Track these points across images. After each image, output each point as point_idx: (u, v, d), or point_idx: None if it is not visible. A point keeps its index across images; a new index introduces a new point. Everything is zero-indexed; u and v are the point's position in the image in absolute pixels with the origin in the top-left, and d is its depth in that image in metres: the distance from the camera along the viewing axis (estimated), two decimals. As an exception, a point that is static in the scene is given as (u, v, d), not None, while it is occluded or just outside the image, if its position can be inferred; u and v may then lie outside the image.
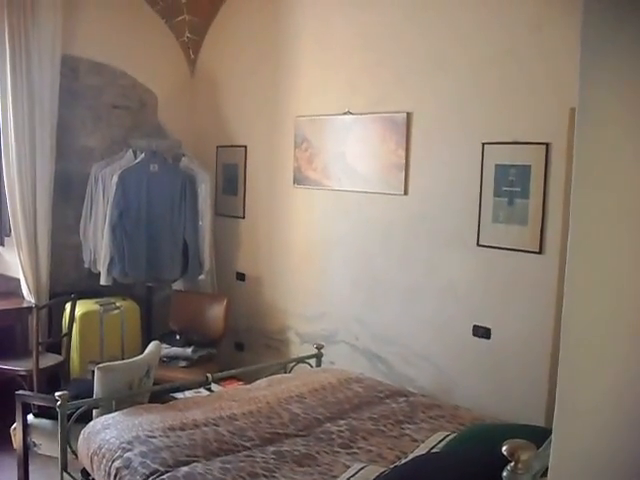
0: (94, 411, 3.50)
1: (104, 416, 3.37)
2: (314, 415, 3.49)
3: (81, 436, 3.26)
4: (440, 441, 3.09)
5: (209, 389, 4.25)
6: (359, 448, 3.14)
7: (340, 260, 4.88)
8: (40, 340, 4.62)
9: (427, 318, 4.31)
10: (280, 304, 5.37)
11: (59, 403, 3.29)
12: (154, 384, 3.92)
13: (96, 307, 5.10)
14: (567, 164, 3.50)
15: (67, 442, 3.31)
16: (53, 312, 5.18)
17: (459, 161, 4.11)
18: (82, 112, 5.52)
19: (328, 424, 3.40)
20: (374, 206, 4.62)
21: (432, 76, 4.23)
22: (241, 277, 5.77)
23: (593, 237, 1.23)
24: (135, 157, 5.42)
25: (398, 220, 4.47)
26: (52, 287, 5.22)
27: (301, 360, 4.50)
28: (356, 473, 2.77)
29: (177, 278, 5.59)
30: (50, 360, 4.78)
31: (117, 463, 2.92)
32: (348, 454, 3.07)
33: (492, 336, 3.97)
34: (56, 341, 4.99)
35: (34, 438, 3.69)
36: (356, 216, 4.75)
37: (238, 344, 5.75)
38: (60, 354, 4.91)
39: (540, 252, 3.72)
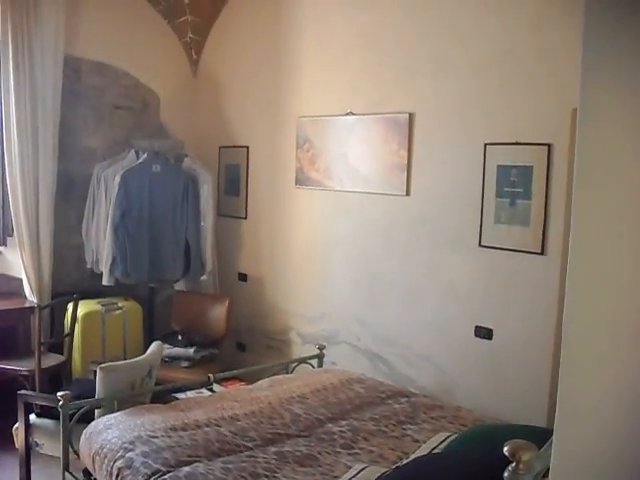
0: (96, 411, 3.50)
1: (106, 416, 3.37)
2: (316, 415, 3.49)
3: (83, 436, 3.26)
4: (442, 442, 3.09)
5: (211, 389, 4.25)
6: (360, 448, 3.14)
7: (342, 261, 4.88)
8: (42, 340, 4.62)
9: (429, 319, 4.31)
10: (282, 305, 5.37)
11: (61, 403, 3.29)
12: (156, 384, 3.92)
13: (98, 307, 5.11)
14: (569, 165, 3.50)
15: (69, 442, 3.31)
16: (55, 312, 5.18)
17: (461, 162, 4.11)
18: (84, 112, 5.53)
19: (330, 424, 3.40)
20: (376, 207, 4.62)
21: (433, 76, 4.23)
22: (243, 277, 5.77)
23: (594, 237, 1.23)
24: (137, 157, 5.43)
25: (400, 221, 4.47)
26: (54, 287, 5.23)
27: (303, 360, 4.50)
28: (357, 473, 2.77)
29: (179, 278, 5.59)
30: (52, 360, 4.78)
31: (119, 463, 2.92)
32: (349, 454, 3.07)
33: (494, 337, 3.97)
34: (58, 341, 4.99)
35: (36, 438, 3.69)
36: (358, 217, 4.75)
37: (240, 344, 5.75)
38: (62, 354, 4.91)
39: (542, 253, 3.72)
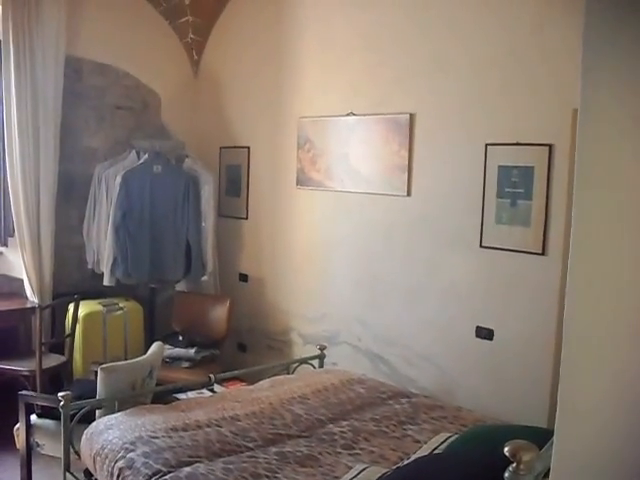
0: (97, 411, 3.50)
1: (107, 416, 3.37)
2: (316, 416, 3.49)
3: (84, 436, 3.26)
4: (442, 442, 3.09)
5: (212, 390, 4.25)
6: (361, 449, 3.14)
7: (343, 261, 4.88)
8: (43, 340, 4.62)
9: (429, 319, 4.31)
10: (283, 305, 5.38)
11: (62, 403, 3.29)
12: (157, 385, 3.92)
13: (99, 308, 5.11)
14: (570, 165, 3.50)
15: (70, 442, 3.31)
16: (56, 312, 5.18)
17: (462, 162, 4.11)
18: (85, 113, 5.54)
19: (330, 425, 3.41)
20: (377, 207, 4.62)
21: (434, 77, 4.24)
22: (244, 278, 5.77)
23: (594, 238, 1.23)
24: (138, 158, 5.43)
25: (401, 221, 4.47)
26: (55, 287, 5.23)
27: (304, 361, 4.50)
28: (358, 474, 2.77)
29: (180, 279, 5.60)
30: (53, 360, 4.79)
31: (120, 463, 2.92)
32: (350, 455, 3.07)
33: (495, 337, 3.97)
34: (59, 341, 5.00)
35: (37, 438, 3.69)
36: (359, 217, 4.75)
37: (241, 345, 5.75)
38: (63, 354, 4.91)
39: (543, 253, 3.72)
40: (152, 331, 5.50)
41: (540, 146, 3.70)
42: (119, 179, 5.20)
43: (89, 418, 3.40)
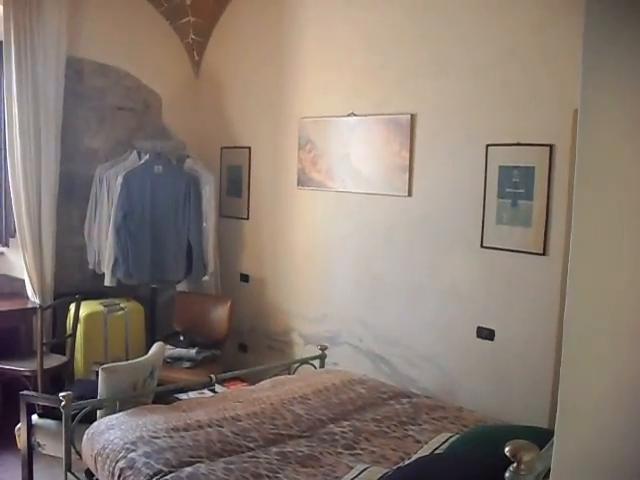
0: (98, 412, 3.50)
1: (108, 417, 3.37)
2: (317, 416, 3.49)
3: (85, 436, 3.27)
4: (443, 442, 3.09)
5: (213, 390, 4.25)
6: (362, 449, 3.14)
7: (343, 261, 4.88)
8: (44, 341, 4.62)
9: (430, 319, 4.31)
10: (284, 305, 5.38)
11: (63, 403, 3.29)
12: (158, 385, 3.92)
13: (100, 308, 5.11)
14: (571, 165, 3.50)
15: (71, 442, 3.31)
16: (57, 313, 5.18)
17: (463, 162, 4.11)
18: (87, 113, 5.54)
19: (331, 425, 3.41)
20: (378, 208, 4.62)
21: (435, 78, 4.24)
22: (245, 278, 5.77)
23: (595, 238, 1.23)
24: (139, 158, 5.43)
25: (402, 221, 4.47)
26: (56, 288, 5.23)
27: (305, 361, 4.50)
28: (359, 474, 2.77)
29: (181, 279, 5.60)
30: (54, 361, 4.79)
31: (121, 463, 2.93)
32: (351, 455, 3.07)
33: (496, 337, 3.97)
34: (60, 342, 5.00)
35: (38, 438, 3.70)
36: (360, 218, 4.75)
37: (242, 345, 5.75)
38: (64, 355, 4.91)
39: (544, 254, 3.72)
40: (153, 331, 5.50)
41: (541, 146, 3.70)
42: (120, 179, 5.20)
43: (90, 418, 3.40)
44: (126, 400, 3.53)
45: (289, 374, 4.39)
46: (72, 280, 5.44)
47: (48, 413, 3.70)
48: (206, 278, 5.59)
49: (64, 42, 5.13)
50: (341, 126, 4.84)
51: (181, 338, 5.17)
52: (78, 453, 3.31)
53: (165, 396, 4.08)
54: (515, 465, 1.76)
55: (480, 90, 4.01)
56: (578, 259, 1.24)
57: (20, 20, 4.87)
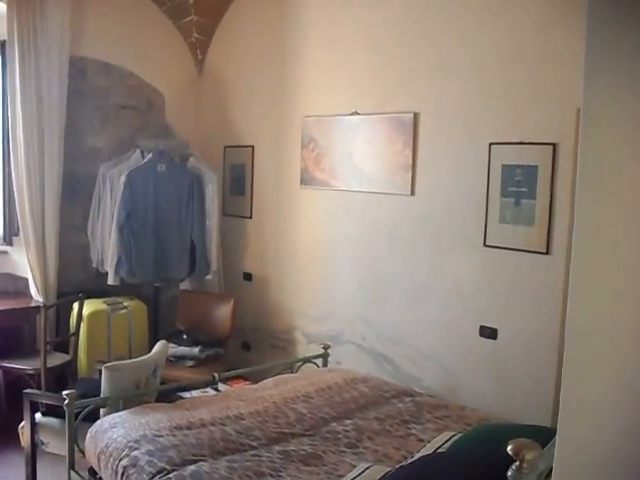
0: (101, 410, 3.51)
1: (111, 415, 3.38)
2: (320, 415, 3.50)
3: (88, 435, 3.27)
4: (446, 441, 3.09)
5: (216, 388, 4.26)
6: (365, 448, 3.14)
7: (346, 260, 4.89)
8: (48, 339, 4.64)
9: (433, 318, 4.31)
10: (287, 304, 5.38)
11: (67, 402, 3.30)
12: (161, 383, 3.93)
13: (103, 307, 5.12)
14: (574, 164, 3.49)
15: (74, 441, 3.32)
16: (61, 311, 5.20)
17: (466, 161, 4.11)
18: (90, 112, 5.55)
19: (334, 424, 3.41)
20: (381, 206, 4.62)
21: (438, 77, 4.23)
22: (248, 277, 5.78)
23: (596, 238, 1.23)
24: (143, 157, 5.44)
25: (405, 220, 4.47)
26: (60, 287, 5.25)
27: (307, 360, 4.50)
28: (362, 472, 2.78)
29: (184, 278, 5.60)
30: (58, 359, 4.80)
31: (124, 462, 2.93)
32: (354, 454, 3.08)
33: (499, 336, 3.97)
34: (64, 340, 5.01)
35: (42, 436, 3.70)
36: (362, 216, 4.75)
37: (245, 344, 5.76)
38: (68, 353, 4.93)
39: (547, 252, 3.72)
40: (156, 330, 5.51)
41: (544, 145, 3.70)
42: (123, 178, 5.21)
43: (93, 416, 3.40)
44: (129, 398, 3.54)
45: (292, 373, 4.39)
46: (75, 279, 5.45)
47: (51, 411, 3.71)
48: (209, 277, 5.60)
49: (67, 41, 5.14)
50: (344, 125, 4.84)
51: (184, 337, 5.18)
52: (81, 451, 3.32)
53: (168, 394, 4.09)
54: (517, 463, 1.76)
55: (483, 89, 4.00)
56: (580, 258, 1.24)
57: (23, 19, 4.88)
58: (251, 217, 5.74)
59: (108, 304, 5.16)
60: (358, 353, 4.78)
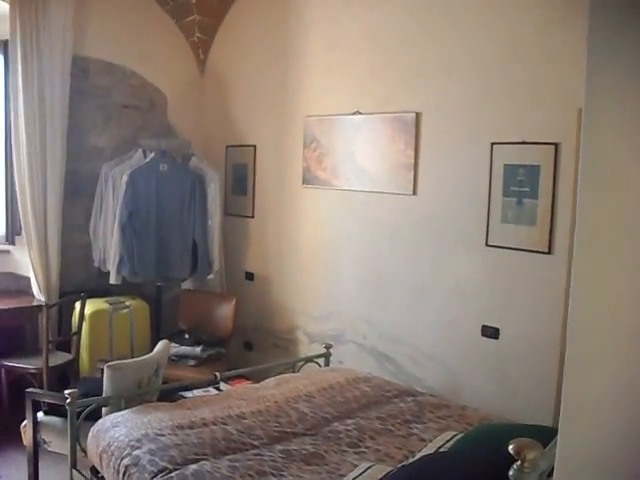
0: (103, 409, 3.51)
1: (113, 414, 3.38)
2: (322, 414, 3.50)
3: (90, 434, 3.28)
4: (448, 441, 3.09)
5: (218, 388, 4.26)
6: (367, 447, 3.14)
7: (348, 260, 4.89)
8: (50, 338, 4.64)
9: (435, 318, 4.31)
10: (289, 304, 5.38)
11: (69, 401, 3.30)
12: (163, 383, 3.93)
13: (106, 306, 5.12)
14: (576, 164, 3.47)
15: (76, 440, 3.33)
16: (63, 311, 5.21)
17: (468, 161, 4.11)
18: (92, 112, 5.55)
19: (336, 423, 3.41)
20: (383, 206, 4.62)
21: (440, 76, 4.23)
22: (250, 277, 5.78)
23: (598, 238, 1.23)
24: (145, 157, 5.44)
25: (407, 220, 4.47)
26: (62, 286, 5.25)
27: (309, 359, 4.50)
28: (363, 472, 2.78)
29: (186, 277, 5.61)
30: (60, 358, 4.81)
31: (126, 461, 2.93)
32: (356, 453, 3.08)
33: (500, 336, 3.97)
34: (66, 339, 5.02)
35: (44, 435, 3.71)
36: (364, 216, 4.75)
37: (247, 343, 5.76)
38: (70, 352, 4.93)
39: (549, 252, 3.72)
40: (158, 329, 5.51)
41: (546, 145, 3.70)
42: (125, 178, 5.21)
43: (95, 416, 3.41)
44: (131, 398, 3.54)
45: (294, 372, 4.39)
46: (77, 278, 5.46)
47: (54, 410, 3.71)
48: (211, 276, 5.60)
49: (70, 40, 5.14)
50: (346, 124, 4.84)
51: (186, 336, 5.18)
52: (83, 450, 3.32)
53: (170, 394, 4.09)
54: (519, 463, 1.76)
55: (485, 89, 4.00)
56: (581, 258, 1.24)
57: (26, 19, 4.88)
58: (253, 217, 5.75)
59: (110, 303, 5.16)
60: (360, 353, 4.78)
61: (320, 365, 4.47)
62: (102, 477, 3.16)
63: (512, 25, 3.85)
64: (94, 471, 3.28)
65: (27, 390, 3.72)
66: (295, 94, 5.26)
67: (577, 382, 1.25)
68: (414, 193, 4.41)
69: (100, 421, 3.34)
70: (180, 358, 5.05)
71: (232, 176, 5.94)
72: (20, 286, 5.29)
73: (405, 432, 3.32)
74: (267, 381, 4.06)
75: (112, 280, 5.26)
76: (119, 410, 3.42)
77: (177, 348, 5.04)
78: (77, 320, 4.92)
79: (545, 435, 2.15)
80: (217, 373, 4.06)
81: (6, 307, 4.88)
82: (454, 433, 3.20)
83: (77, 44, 5.27)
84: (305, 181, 5.18)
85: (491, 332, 4.00)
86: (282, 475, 2.82)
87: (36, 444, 3.69)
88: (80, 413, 3.33)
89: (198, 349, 5.06)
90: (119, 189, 5.25)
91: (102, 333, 5.04)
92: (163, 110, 6.01)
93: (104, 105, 5.62)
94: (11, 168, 5.11)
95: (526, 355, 3.83)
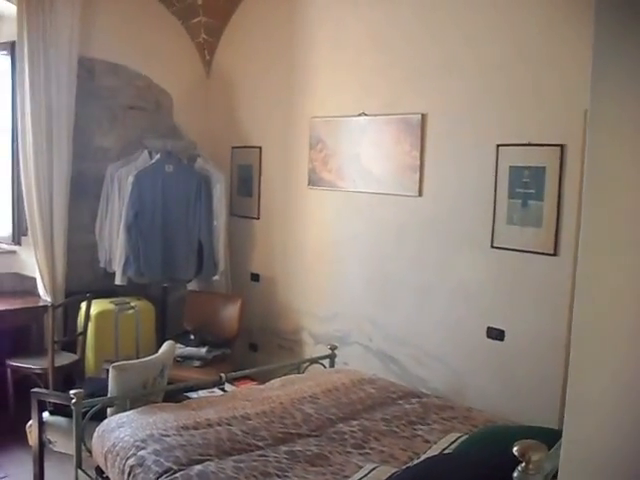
0: (108, 409, 3.52)
1: (118, 414, 3.39)
2: (327, 415, 3.50)
3: (95, 434, 3.28)
4: (452, 442, 3.09)
5: (223, 389, 4.27)
6: (371, 449, 3.14)
7: (354, 261, 4.89)
8: (56, 339, 4.65)
9: (440, 319, 4.31)
10: (294, 305, 5.38)
11: (74, 401, 3.31)
12: (168, 383, 3.93)
13: (111, 306, 5.13)
14: (582, 166, 3.48)
15: (82, 440, 3.33)
16: (69, 311, 5.21)
17: (473, 163, 4.11)
18: (98, 113, 5.56)
19: (341, 424, 3.41)
20: (388, 207, 4.62)
21: (445, 78, 4.23)
22: (255, 277, 5.78)
23: (603, 240, 1.23)
24: (151, 158, 5.45)
25: (412, 221, 4.47)
26: (68, 286, 5.26)
27: (314, 361, 4.50)
28: (368, 473, 2.77)
29: (192, 278, 5.62)
30: (65, 359, 4.82)
31: (131, 461, 2.94)
32: (360, 454, 3.08)
33: (506, 338, 3.96)
34: (71, 340, 5.03)
35: (49, 435, 3.72)
36: (370, 217, 4.75)
37: (252, 344, 5.76)
38: (75, 353, 4.94)
39: (555, 254, 3.71)
40: (163, 330, 5.52)
41: (551, 146, 3.69)
42: (131, 179, 5.22)
43: (101, 416, 3.41)
44: (136, 398, 3.55)
45: (299, 373, 4.39)
46: (83, 279, 5.46)
47: (59, 410, 3.72)
48: (216, 277, 5.61)
49: (76, 42, 5.15)
50: (352, 126, 4.84)
51: (191, 337, 5.18)
52: (89, 450, 3.33)
53: (175, 394, 4.09)
54: (523, 465, 1.76)
55: (490, 90, 4.00)
56: (587, 259, 1.24)
57: (33, 20, 4.89)
58: (259, 218, 5.75)
59: (116, 304, 5.17)
60: (365, 354, 4.78)
61: (325, 366, 4.47)
62: (107, 477, 3.17)
63: (516, 25, 3.85)
64: (99, 471, 3.29)
65: (33, 390, 3.73)
66: (301, 95, 5.27)
67: (582, 383, 1.25)
68: (420, 194, 4.41)
69: (105, 421, 3.34)
70: (185, 359, 5.06)
71: (238, 177, 5.94)
72: (26, 286, 5.30)
73: (410, 433, 3.32)
74: (272, 382, 4.06)
75: (118, 281, 5.26)
76: (124, 410, 3.43)
77: (182, 349, 5.05)
78: (83, 320, 4.93)
79: (550, 437, 2.15)
80: (222, 374, 4.06)
81: (12, 307, 4.89)
82: (459, 435, 3.19)
83: (83, 45, 5.28)
84: (311, 182, 5.18)
85: (496, 334, 4.00)
86: (287, 476, 2.82)
87: (42, 444, 3.70)
88: (85, 413, 3.34)
89: (203, 350, 5.07)
90: (125, 190, 5.26)
91: (107, 334, 5.05)
92: (169, 111, 6.03)
93: (110, 106, 5.63)
94: (17, 168, 5.12)
95: (531, 356, 3.82)
